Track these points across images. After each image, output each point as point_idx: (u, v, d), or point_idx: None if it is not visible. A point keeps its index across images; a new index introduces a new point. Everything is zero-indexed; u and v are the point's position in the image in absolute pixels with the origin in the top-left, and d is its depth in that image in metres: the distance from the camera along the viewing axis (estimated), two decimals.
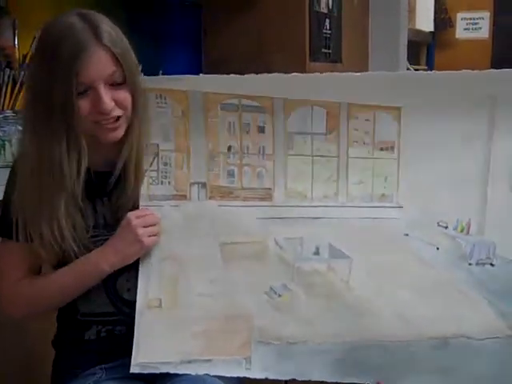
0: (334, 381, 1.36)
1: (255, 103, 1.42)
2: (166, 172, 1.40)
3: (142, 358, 1.32)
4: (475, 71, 1.37)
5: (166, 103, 1.40)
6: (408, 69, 3.99)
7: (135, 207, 1.37)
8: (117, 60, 1.26)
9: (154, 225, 1.35)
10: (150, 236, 1.34)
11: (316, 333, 1.37)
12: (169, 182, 1.40)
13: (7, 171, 1.41)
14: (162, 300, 1.36)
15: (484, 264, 1.40)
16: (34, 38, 2.07)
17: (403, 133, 1.41)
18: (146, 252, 1.36)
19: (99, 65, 1.24)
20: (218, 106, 1.41)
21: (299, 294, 1.38)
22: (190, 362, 1.33)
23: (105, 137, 1.31)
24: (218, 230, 1.39)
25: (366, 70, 3.48)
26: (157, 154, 1.40)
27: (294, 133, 1.42)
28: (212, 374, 1.33)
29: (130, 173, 1.35)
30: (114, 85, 1.27)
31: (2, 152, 1.98)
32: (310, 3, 2.86)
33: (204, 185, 1.41)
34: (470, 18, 5.31)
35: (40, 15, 2.03)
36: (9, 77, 2.05)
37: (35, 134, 1.29)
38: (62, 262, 1.36)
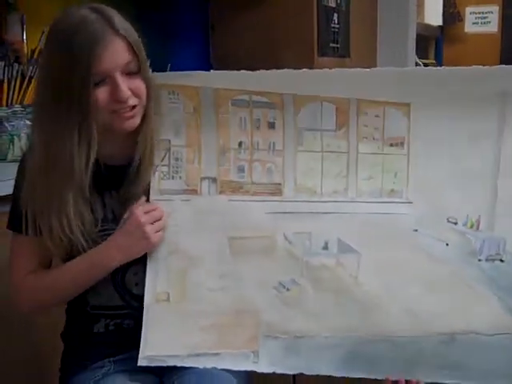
0: (342, 376, 1.36)
1: (265, 99, 1.42)
2: (177, 167, 1.41)
3: (150, 351, 1.33)
4: (485, 67, 1.37)
5: (178, 99, 1.41)
6: (416, 63, 3.98)
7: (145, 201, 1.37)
8: (132, 49, 1.27)
9: (160, 219, 1.35)
10: (156, 232, 1.34)
11: (324, 327, 1.37)
12: (180, 177, 1.41)
13: (16, 166, 1.41)
14: (170, 294, 1.36)
15: (494, 260, 1.39)
16: (43, 33, 2.08)
17: (413, 129, 1.40)
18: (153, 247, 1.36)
19: (116, 54, 1.25)
20: (228, 102, 1.42)
21: (307, 289, 1.38)
22: (197, 355, 1.34)
23: (121, 126, 1.31)
24: (227, 225, 1.40)
25: (375, 65, 3.47)
26: (168, 150, 1.41)
27: (303, 129, 1.42)
28: (219, 367, 1.33)
29: (140, 166, 1.35)
30: (129, 74, 1.28)
31: (11, 147, 1.99)
32: None
33: (214, 180, 1.41)
34: (479, 12, 5.29)
35: (48, 10, 2.04)
36: (17, 72, 2.06)
37: (47, 126, 1.29)
38: (70, 255, 1.36)
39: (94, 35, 1.23)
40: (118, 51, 1.25)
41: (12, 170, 1.44)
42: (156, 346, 1.33)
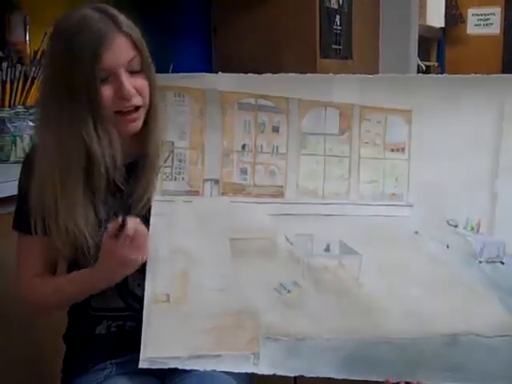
0: (343, 378, 1.36)
1: (271, 103, 1.43)
2: (180, 168, 1.41)
3: (150, 353, 1.33)
4: (483, 75, 1.41)
5: (184, 101, 1.42)
6: (418, 65, 3.98)
7: (148, 203, 1.37)
8: (136, 46, 1.28)
9: (137, 234, 1.27)
10: (137, 248, 1.28)
11: (325, 329, 1.37)
12: (182, 178, 1.41)
13: (19, 166, 1.42)
14: (169, 295, 1.36)
15: (494, 262, 1.40)
16: (46, 33, 2.08)
17: (414, 135, 1.43)
18: (153, 248, 1.35)
19: (120, 50, 1.26)
20: (234, 105, 1.43)
21: (309, 290, 1.39)
22: (198, 357, 1.33)
23: (125, 128, 1.31)
24: (228, 226, 1.40)
25: (377, 67, 3.48)
26: (172, 151, 1.41)
27: (307, 133, 1.44)
28: (220, 369, 1.33)
29: (144, 167, 1.36)
30: (132, 73, 1.29)
31: (14, 148, 1.99)
32: None
33: (217, 181, 1.42)
34: (481, 14, 5.29)
35: (51, 11, 2.04)
36: (20, 72, 2.06)
37: (56, 126, 1.29)
38: (76, 257, 1.36)
39: (98, 33, 1.24)
40: (121, 48, 1.26)
41: (14, 171, 1.45)
42: (156, 347, 1.33)
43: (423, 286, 1.39)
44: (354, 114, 1.43)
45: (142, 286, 1.37)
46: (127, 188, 1.36)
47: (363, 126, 1.44)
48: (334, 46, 3.01)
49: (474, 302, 1.39)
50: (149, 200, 1.37)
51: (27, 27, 2.27)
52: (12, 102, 2.05)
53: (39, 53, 2.15)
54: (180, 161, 1.41)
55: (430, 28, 5.02)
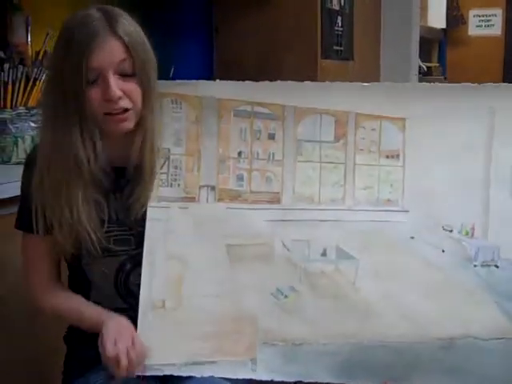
0: (341, 382, 1.36)
1: (267, 110, 1.44)
2: (175, 175, 1.42)
3: (146, 360, 1.32)
4: (475, 84, 1.43)
5: (180, 108, 1.42)
6: (420, 66, 3.98)
7: (146, 205, 1.37)
8: (128, 50, 1.27)
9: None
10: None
11: (322, 334, 1.37)
12: (178, 185, 1.42)
13: (20, 167, 1.43)
14: (165, 301, 1.36)
15: (489, 266, 1.42)
16: (47, 35, 2.09)
17: (408, 142, 1.44)
18: (149, 254, 1.36)
19: (109, 52, 1.26)
20: (231, 112, 1.43)
21: (306, 295, 1.39)
22: (194, 363, 1.33)
23: (114, 128, 1.32)
24: (225, 232, 1.40)
25: (378, 68, 3.48)
26: (168, 158, 1.41)
27: (303, 140, 1.45)
28: (217, 375, 1.33)
29: (143, 170, 1.36)
30: (123, 75, 1.29)
31: (15, 149, 2.00)
32: (321, 0, 2.86)
33: (213, 188, 1.42)
34: (483, 15, 5.30)
35: (53, 12, 2.06)
36: (22, 73, 2.06)
37: (51, 122, 1.32)
38: (78, 254, 1.37)
39: (91, 32, 1.25)
40: (112, 50, 1.26)
41: (16, 172, 1.46)
42: (151, 354, 1.33)
43: (419, 290, 1.40)
44: (350, 121, 1.45)
45: None
46: (127, 189, 1.37)
47: (358, 133, 1.45)
48: (335, 47, 3.01)
49: (470, 305, 1.40)
50: (146, 202, 1.37)
51: (29, 28, 2.28)
52: (14, 103, 2.05)
53: (41, 54, 2.15)
54: (176, 167, 1.42)
55: (432, 29, 5.03)
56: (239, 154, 1.44)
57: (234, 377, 1.34)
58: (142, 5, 2.64)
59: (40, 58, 2.15)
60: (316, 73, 2.77)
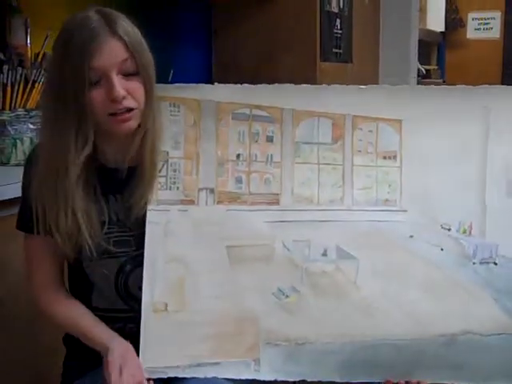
0: (344, 381, 1.37)
1: (265, 113, 1.45)
2: (174, 178, 1.42)
3: (149, 363, 1.32)
4: (470, 86, 1.46)
5: (179, 112, 1.43)
6: (419, 69, 3.98)
7: (146, 206, 1.37)
8: (129, 49, 1.27)
9: None
10: None
11: (324, 333, 1.38)
12: (177, 188, 1.42)
13: (19, 169, 1.43)
14: (167, 304, 1.36)
15: (488, 263, 1.43)
16: (47, 37, 2.09)
17: (404, 143, 1.46)
18: (150, 257, 1.36)
19: (111, 52, 1.26)
20: (229, 116, 1.44)
21: (307, 295, 1.39)
22: (198, 365, 1.34)
23: (118, 128, 1.31)
24: (225, 234, 1.41)
25: (377, 70, 3.48)
26: (166, 161, 1.41)
27: (301, 142, 1.46)
28: (221, 376, 1.34)
29: (144, 170, 1.36)
30: (126, 75, 1.29)
31: (14, 150, 1.99)
32: (320, 3, 2.87)
33: (212, 190, 1.43)
34: (481, 18, 5.31)
35: (52, 14, 2.06)
36: (21, 75, 2.06)
37: (50, 124, 1.32)
38: (79, 257, 1.37)
39: (90, 34, 1.25)
40: (113, 50, 1.26)
41: (15, 173, 1.46)
42: (155, 357, 1.33)
43: (420, 288, 1.41)
44: (347, 123, 1.46)
45: (142, 288, 1.37)
46: (127, 190, 1.37)
47: (356, 135, 1.47)
48: (334, 50, 3.01)
49: (470, 302, 1.41)
50: (146, 203, 1.37)
51: (28, 30, 2.27)
52: (13, 104, 2.05)
53: (40, 56, 2.15)
54: (175, 170, 1.42)
55: (430, 32, 5.04)
56: (238, 156, 1.45)
57: (238, 377, 1.35)
58: (140, 7, 2.65)
59: (39, 59, 2.15)
60: (315, 75, 2.77)
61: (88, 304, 1.41)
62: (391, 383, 1.37)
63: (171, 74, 2.15)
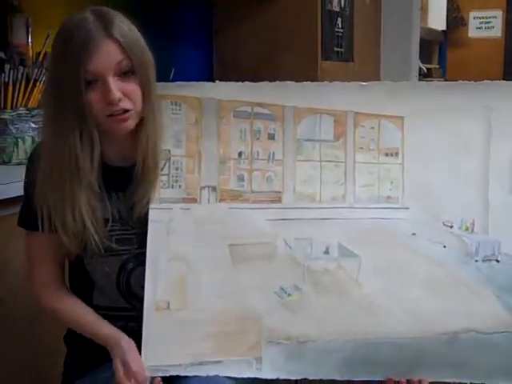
0: (346, 379, 1.37)
1: (267, 111, 1.45)
2: (176, 176, 1.42)
3: (151, 362, 1.33)
4: (471, 82, 1.46)
5: (180, 110, 1.43)
6: (420, 68, 3.98)
7: (148, 204, 1.38)
8: (125, 50, 1.27)
9: None
10: None
11: (326, 331, 1.38)
12: (179, 186, 1.42)
13: (21, 168, 1.43)
14: (169, 302, 1.36)
15: (490, 260, 1.43)
16: (48, 36, 2.09)
17: (406, 140, 1.46)
18: (152, 255, 1.36)
19: (107, 55, 1.26)
20: (231, 114, 1.44)
21: (309, 293, 1.39)
22: (200, 363, 1.34)
23: (116, 128, 1.32)
24: (227, 232, 1.41)
25: (378, 69, 3.48)
26: (168, 160, 1.42)
27: (303, 139, 1.46)
28: (223, 375, 1.34)
29: (145, 169, 1.36)
30: (122, 76, 1.29)
31: (15, 149, 2.00)
32: (322, 2, 2.87)
33: (214, 188, 1.43)
34: (483, 17, 5.31)
35: (53, 13, 2.05)
36: (22, 74, 2.06)
37: (51, 123, 1.32)
38: (81, 253, 1.37)
39: (86, 37, 1.25)
40: (109, 53, 1.26)
41: (17, 172, 1.46)
42: (157, 355, 1.33)
43: (422, 286, 1.41)
44: (349, 120, 1.46)
45: (144, 286, 1.37)
46: (130, 188, 1.37)
47: (357, 132, 1.46)
48: (335, 49, 3.02)
49: (472, 299, 1.40)
50: (149, 201, 1.38)
51: (29, 29, 2.27)
52: (14, 103, 2.04)
53: (41, 55, 2.15)
54: (177, 169, 1.42)
55: (432, 31, 5.04)
56: (239, 154, 1.45)
57: (240, 376, 1.35)
58: (141, 7, 2.65)
59: (40, 58, 2.15)
60: (316, 74, 2.77)
61: (89, 302, 1.41)
62: (392, 381, 1.37)
63: (172, 74, 2.15)
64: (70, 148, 1.29)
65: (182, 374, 1.33)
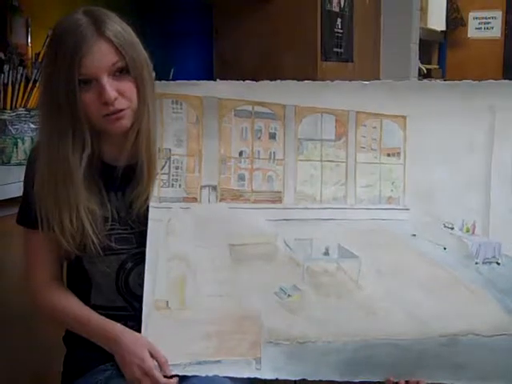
0: (345, 380, 1.37)
1: (268, 110, 1.44)
2: (176, 175, 1.42)
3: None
4: (475, 81, 1.44)
5: (181, 109, 1.43)
6: (419, 68, 3.98)
7: (146, 202, 1.38)
8: (118, 50, 1.27)
9: None
10: None
11: (326, 332, 1.37)
12: (179, 185, 1.42)
13: (20, 168, 1.43)
14: (168, 301, 1.36)
15: (490, 263, 1.42)
16: (47, 36, 2.09)
17: (409, 140, 1.45)
18: (152, 254, 1.36)
19: (100, 56, 1.26)
20: (232, 112, 1.44)
21: (309, 294, 1.39)
22: (199, 363, 1.34)
23: (112, 128, 1.32)
24: (227, 232, 1.41)
25: (378, 70, 3.48)
26: (168, 158, 1.42)
27: (304, 139, 1.45)
28: (222, 375, 1.33)
29: (143, 167, 1.36)
30: (117, 76, 1.29)
31: (15, 150, 2.00)
32: (321, 2, 2.87)
33: (215, 188, 1.43)
34: (482, 17, 5.31)
35: (53, 14, 2.05)
36: (22, 75, 2.06)
37: (47, 124, 1.32)
38: (79, 254, 1.37)
39: (79, 38, 1.25)
40: (102, 53, 1.26)
41: (16, 173, 1.46)
42: None
43: (422, 288, 1.40)
44: (350, 119, 1.45)
45: (142, 285, 1.37)
46: (128, 188, 1.38)
47: (359, 131, 1.46)
48: (335, 49, 3.01)
49: (472, 302, 1.40)
50: (147, 199, 1.38)
51: (29, 30, 2.28)
52: (13, 104, 2.04)
53: (41, 55, 2.14)
54: (177, 168, 1.42)
55: (431, 31, 5.03)
56: (240, 153, 1.44)
57: (239, 376, 1.35)
58: (141, 7, 2.65)
59: (40, 59, 2.14)
60: (316, 74, 2.77)
61: (87, 301, 1.41)
62: (391, 382, 1.37)
63: (172, 73, 2.15)
64: (63, 149, 1.30)
65: (181, 373, 1.33)
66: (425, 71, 4.63)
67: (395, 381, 1.37)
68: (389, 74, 3.44)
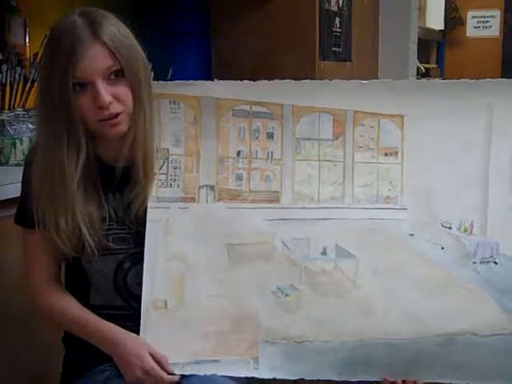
0: (342, 379, 1.37)
1: (266, 110, 1.45)
2: (175, 175, 1.42)
3: None
4: (472, 80, 1.44)
5: (179, 109, 1.43)
6: (418, 67, 3.98)
7: (144, 203, 1.38)
8: (113, 54, 1.27)
9: None
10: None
11: (323, 332, 1.38)
12: (178, 185, 1.42)
13: (19, 169, 1.43)
14: (167, 301, 1.37)
15: (488, 262, 1.42)
16: (45, 36, 2.09)
17: (406, 139, 1.45)
18: (150, 254, 1.36)
19: (95, 59, 1.26)
20: (229, 112, 1.44)
21: (306, 294, 1.39)
22: (197, 362, 1.34)
23: (109, 132, 1.32)
24: (225, 231, 1.41)
25: (376, 69, 3.48)
26: (167, 158, 1.42)
27: (301, 138, 1.45)
28: (220, 374, 1.33)
29: (141, 168, 1.36)
30: (112, 79, 1.29)
31: (13, 150, 1.99)
32: (320, 1, 2.86)
33: (213, 188, 1.43)
34: (481, 16, 5.31)
35: (51, 14, 2.05)
36: (20, 75, 2.06)
37: (43, 127, 1.33)
38: (76, 255, 1.37)
39: (75, 41, 1.25)
40: (97, 57, 1.26)
41: (14, 173, 1.46)
42: None
43: (419, 287, 1.40)
44: (348, 119, 1.45)
45: (141, 285, 1.37)
46: (126, 188, 1.38)
47: (357, 131, 1.46)
48: (333, 49, 3.01)
49: (470, 301, 1.40)
50: (145, 200, 1.38)
51: (27, 30, 2.27)
52: (12, 104, 2.04)
53: (39, 55, 2.14)
54: (175, 168, 1.43)
55: (430, 30, 5.03)
56: (238, 153, 1.45)
57: (237, 375, 1.35)
58: (139, 7, 2.65)
59: (38, 59, 2.14)
60: (314, 74, 2.77)
61: (85, 301, 1.42)
62: (388, 382, 1.37)
63: (170, 73, 2.15)
64: (58, 153, 1.30)
65: (179, 372, 1.33)
66: (423, 70, 4.63)
67: (392, 380, 1.37)
68: (387, 73, 3.44)
